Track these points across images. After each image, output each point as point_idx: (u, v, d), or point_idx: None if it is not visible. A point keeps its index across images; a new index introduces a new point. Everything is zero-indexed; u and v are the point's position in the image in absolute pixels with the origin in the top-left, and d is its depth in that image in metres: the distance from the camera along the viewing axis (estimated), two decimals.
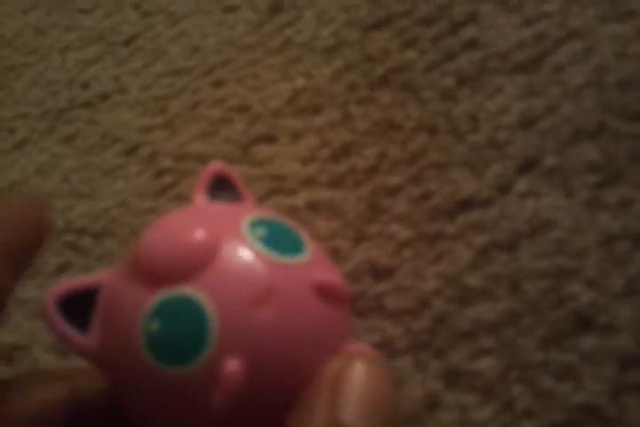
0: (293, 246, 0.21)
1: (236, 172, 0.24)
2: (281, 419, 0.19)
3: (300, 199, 0.31)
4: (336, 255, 0.29)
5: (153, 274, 0.19)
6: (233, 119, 0.34)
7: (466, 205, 0.30)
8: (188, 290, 0.19)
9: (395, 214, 0.30)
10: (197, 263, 0.19)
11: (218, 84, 0.35)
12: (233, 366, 0.18)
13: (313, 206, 0.31)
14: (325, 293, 0.20)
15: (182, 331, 0.18)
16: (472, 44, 0.33)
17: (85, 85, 0.37)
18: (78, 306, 0.20)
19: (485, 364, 0.26)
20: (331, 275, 0.21)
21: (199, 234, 0.20)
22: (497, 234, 0.29)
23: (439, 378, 0.27)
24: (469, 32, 0.33)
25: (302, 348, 0.19)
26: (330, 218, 0.30)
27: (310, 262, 0.21)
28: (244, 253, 0.20)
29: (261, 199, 0.31)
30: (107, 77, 0.37)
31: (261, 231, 0.20)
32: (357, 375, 0.18)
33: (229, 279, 0.19)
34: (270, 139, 0.33)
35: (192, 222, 0.20)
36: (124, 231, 0.32)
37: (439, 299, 0.28)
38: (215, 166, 0.23)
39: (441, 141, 0.31)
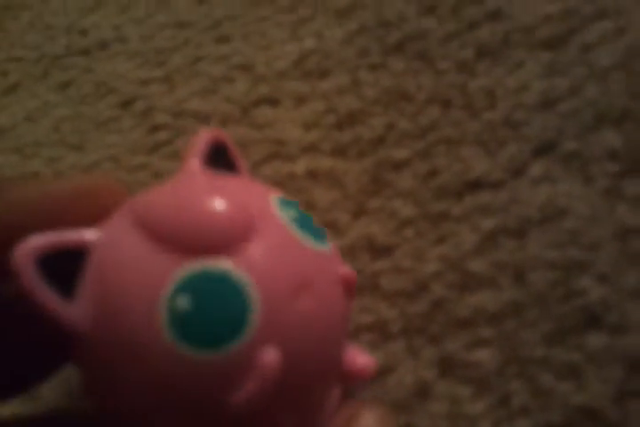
0: (320, 234, 0.18)
1: (232, 135, 0.20)
2: (299, 413, 0.17)
3: (300, 166, 0.28)
4: (334, 228, 0.26)
5: (180, 243, 0.16)
6: (235, 78, 0.30)
7: (475, 185, 0.26)
8: (226, 265, 0.16)
9: (398, 190, 0.27)
10: (235, 236, 0.16)
11: (222, 39, 0.32)
12: (271, 355, 0.15)
13: (312, 175, 0.27)
14: (348, 286, 0.18)
15: (220, 311, 0.15)
16: (495, 16, 0.29)
17: (84, 32, 0.33)
18: (59, 267, 0.16)
19: (483, 355, 0.23)
20: (348, 268, 0.19)
21: (237, 205, 0.16)
22: (506, 219, 0.25)
23: (432, 366, 0.24)
24: (494, 2, 0.29)
25: (331, 340, 0.17)
26: (329, 188, 0.27)
27: (333, 252, 0.18)
28: (284, 236, 0.17)
29: (259, 164, 0.28)
30: (107, 25, 0.33)
31: (293, 213, 0.18)
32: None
33: (272, 262, 0.16)
34: (273, 101, 0.29)
35: (219, 190, 0.17)
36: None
37: (439, 283, 0.25)
38: (211, 131, 0.20)
39: (454, 116, 0.28)
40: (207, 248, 0.16)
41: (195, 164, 0.19)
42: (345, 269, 0.18)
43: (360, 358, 0.19)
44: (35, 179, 0.19)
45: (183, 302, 0.15)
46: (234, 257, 0.16)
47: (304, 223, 0.18)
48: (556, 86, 0.27)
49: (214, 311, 0.15)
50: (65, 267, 0.16)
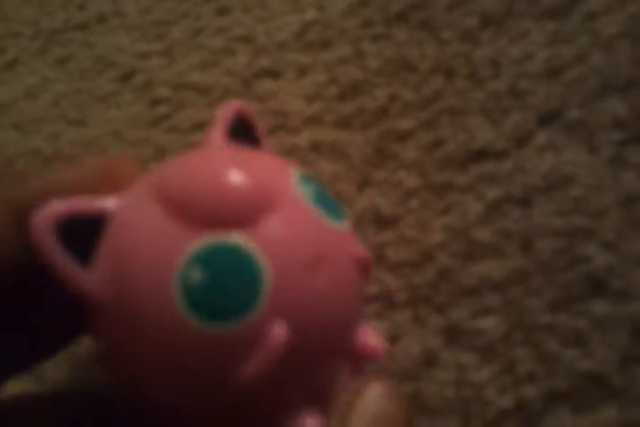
0: (337, 212, 0.19)
1: (255, 113, 0.21)
2: (307, 391, 0.18)
3: (304, 139, 0.28)
4: (339, 200, 0.27)
5: (197, 215, 0.16)
6: (236, 50, 0.31)
7: (480, 155, 0.27)
8: (241, 239, 0.16)
9: (403, 161, 0.28)
10: (252, 210, 0.17)
11: (222, 11, 0.32)
12: (279, 329, 0.16)
13: (316, 147, 0.28)
14: (363, 266, 0.19)
15: (232, 284, 0.16)
16: None
17: (81, 6, 0.34)
18: (77, 234, 0.17)
19: (488, 323, 0.24)
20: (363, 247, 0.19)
21: (256, 179, 0.17)
22: (511, 188, 0.26)
23: (438, 335, 0.25)
24: None
25: (342, 318, 0.18)
26: (334, 160, 0.28)
27: (348, 231, 0.19)
28: (301, 212, 0.17)
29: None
30: None
31: (312, 189, 0.18)
32: (368, 404, 0.18)
33: (286, 237, 0.17)
34: (274, 73, 0.30)
35: (239, 164, 0.17)
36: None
37: (444, 253, 0.26)
38: (236, 105, 0.20)
39: (458, 86, 0.29)
40: (223, 222, 0.16)
41: (217, 137, 0.19)
42: (361, 250, 0.19)
43: (372, 339, 0.19)
44: (53, 164, 0.19)
45: (196, 275, 0.16)
46: (249, 231, 0.16)
47: (323, 200, 0.18)
48: (561, 55, 0.28)
49: (226, 285, 0.16)
50: (84, 233, 0.17)
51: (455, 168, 0.27)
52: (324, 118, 0.29)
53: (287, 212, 0.17)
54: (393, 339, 0.25)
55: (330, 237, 0.18)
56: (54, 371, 0.26)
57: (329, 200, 0.19)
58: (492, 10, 0.30)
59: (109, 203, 0.17)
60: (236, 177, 0.17)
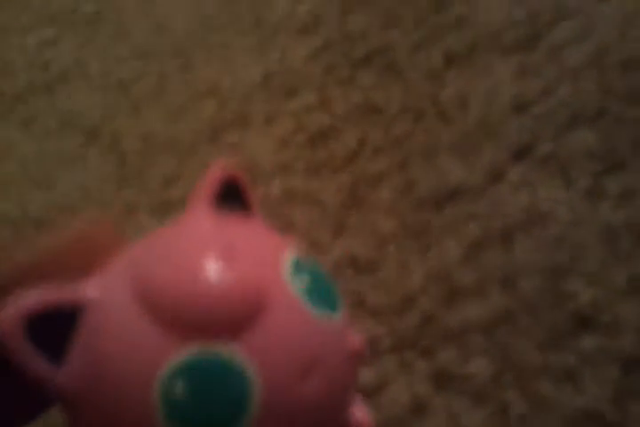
0: (332, 301, 0.18)
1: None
2: None
3: (275, 188, 0.28)
4: (315, 248, 0.27)
5: (180, 321, 0.15)
6: (202, 103, 0.31)
7: (454, 194, 0.27)
8: (228, 350, 0.15)
9: (377, 205, 0.27)
10: (241, 318, 0.15)
11: (186, 66, 0.33)
12: None
13: (289, 196, 0.28)
14: (357, 357, 0.18)
15: (217, 400, 0.15)
16: (461, 23, 0.30)
17: (45, 66, 0.34)
18: (50, 325, 0.16)
19: (477, 366, 0.24)
20: (357, 334, 0.19)
21: (245, 279, 0.16)
22: (489, 226, 0.26)
23: (427, 380, 0.24)
24: (457, 9, 0.31)
25: (335, 412, 0.17)
26: (307, 208, 0.28)
27: (344, 319, 0.18)
28: (294, 313, 0.16)
29: None
30: (67, 58, 0.34)
31: (305, 280, 0.17)
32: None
33: (278, 345, 0.16)
34: (242, 123, 0.30)
35: (227, 255, 0.16)
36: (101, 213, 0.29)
37: (426, 296, 0.25)
38: (224, 168, 0.19)
39: (427, 126, 0.29)
40: (210, 330, 0.15)
41: (201, 210, 0.18)
42: (355, 339, 0.18)
43: (359, 414, 0.18)
44: (32, 239, 0.19)
45: (179, 389, 0.15)
46: (238, 341, 0.15)
47: (317, 292, 0.17)
48: (528, 89, 0.28)
49: (211, 401, 0.15)
50: (58, 324, 0.16)
51: (431, 209, 0.27)
52: (294, 166, 0.29)
53: (279, 315, 0.16)
54: (380, 387, 0.24)
55: (324, 338, 0.17)
56: None
57: (324, 289, 0.18)
58: (455, 48, 0.30)
59: (85, 292, 0.16)
60: (222, 277, 0.16)
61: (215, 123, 0.30)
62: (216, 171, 0.18)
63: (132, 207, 0.29)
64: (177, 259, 0.16)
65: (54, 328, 0.16)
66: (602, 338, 0.24)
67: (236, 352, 0.15)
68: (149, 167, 0.30)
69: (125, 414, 0.15)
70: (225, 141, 0.30)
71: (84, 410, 0.16)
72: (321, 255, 0.27)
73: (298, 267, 0.17)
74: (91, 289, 0.16)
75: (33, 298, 0.16)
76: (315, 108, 0.30)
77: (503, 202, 0.27)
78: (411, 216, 0.27)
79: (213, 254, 0.16)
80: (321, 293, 0.17)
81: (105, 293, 0.16)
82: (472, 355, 0.24)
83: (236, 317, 0.15)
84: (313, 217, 0.28)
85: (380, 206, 0.27)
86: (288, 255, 0.17)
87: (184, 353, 0.15)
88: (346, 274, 0.26)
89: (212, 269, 0.16)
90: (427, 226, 0.27)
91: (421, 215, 0.27)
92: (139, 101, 0.32)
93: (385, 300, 0.26)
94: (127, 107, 0.32)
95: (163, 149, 0.30)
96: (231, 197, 0.19)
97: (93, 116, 0.32)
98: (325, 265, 0.26)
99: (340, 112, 0.30)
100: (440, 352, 0.24)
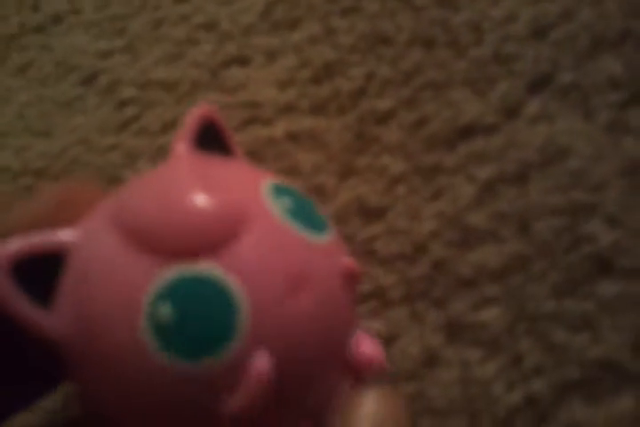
0: (318, 222, 0.18)
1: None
2: (300, 413, 0.17)
3: (279, 129, 0.28)
4: (320, 193, 0.26)
5: (161, 245, 0.16)
6: (200, 39, 0.30)
7: (467, 131, 0.26)
8: (211, 268, 0.16)
9: (386, 145, 0.27)
10: (221, 236, 0.16)
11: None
12: (262, 360, 0.15)
13: (293, 137, 0.27)
14: (350, 279, 0.18)
15: (204, 318, 0.15)
16: None
17: (35, 7, 0.33)
18: (35, 273, 0.16)
19: (490, 315, 0.24)
20: (349, 257, 0.19)
21: (223, 200, 0.16)
22: (503, 166, 0.25)
23: (438, 331, 0.24)
24: None
25: (331, 337, 0.17)
26: (312, 150, 0.27)
27: (332, 241, 0.18)
28: (275, 230, 0.17)
29: (236, 130, 0.28)
30: None
31: (287, 202, 0.17)
32: (368, 410, 0.18)
33: (260, 259, 0.16)
34: (243, 60, 0.29)
35: (205, 183, 0.17)
36: (87, 172, 0.29)
37: (437, 242, 0.25)
38: (202, 110, 0.19)
39: (438, 57, 0.27)
40: (191, 250, 0.16)
41: (181, 149, 0.18)
42: (346, 261, 0.18)
43: (366, 347, 0.19)
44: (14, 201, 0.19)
45: (165, 311, 0.15)
46: (219, 259, 0.16)
47: (301, 213, 0.18)
48: (547, 12, 0.27)
49: (199, 320, 0.15)
50: (43, 271, 0.16)
51: (442, 148, 0.26)
52: (298, 105, 0.28)
53: (260, 231, 0.16)
54: (391, 339, 0.24)
55: (310, 254, 0.17)
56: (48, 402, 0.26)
57: (308, 211, 0.18)
58: None
59: (67, 236, 0.17)
60: (200, 200, 0.16)
61: (214, 60, 0.29)
62: (193, 115, 0.19)
63: (131, 153, 0.29)
64: (154, 189, 0.17)
65: (39, 277, 0.16)
66: (622, 283, 0.23)
67: (217, 269, 0.16)
68: (148, 111, 0.29)
69: (116, 346, 0.16)
70: (225, 81, 0.29)
71: (76, 351, 0.16)
72: (327, 201, 0.26)
73: (278, 191, 0.18)
74: (73, 233, 0.17)
75: (17, 243, 0.16)
76: (319, 41, 0.29)
77: (520, 138, 0.25)
78: (421, 156, 0.26)
79: (190, 182, 0.17)
80: (304, 214, 0.18)
81: (86, 232, 0.17)
82: (485, 304, 0.24)
83: (215, 235, 0.16)
84: (318, 159, 0.27)
85: (388, 147, 0.27)
86: (268, 181, 0.18)
87: (167, 275, 0.15)
88: (353, 222, 0.26)
89: (189, 192, 0.16)
90: (438, 167, 0.26)
91: (433, 155, 0.26)
92: (134, 39, 0.31)
93: (395, 248, 0.25)
94: (123, 46, 0.31)
95: (161, 91, 0.29)
96: (212, 141, 0.19)
97: (89, 57, 0.31)
98: (331, 212, 0.26)
99: (346, 44, 0.28)
100: (452, 302, 0.24)
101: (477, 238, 0.25)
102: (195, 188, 0.16)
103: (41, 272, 0.16)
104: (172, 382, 0.15)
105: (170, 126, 0.29)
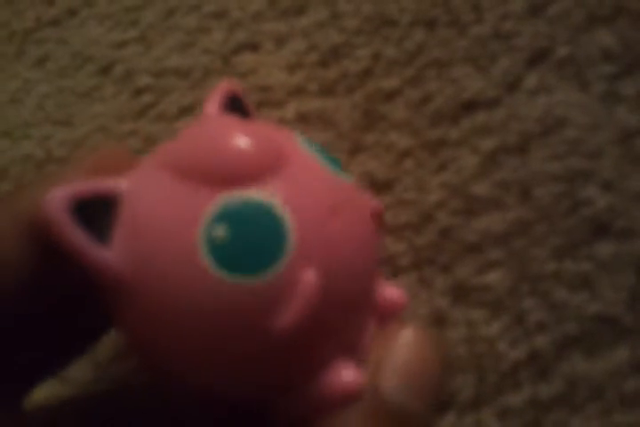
0: (342, 169, 0.22)
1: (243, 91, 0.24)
2: (340, 341, 0.20)
3: (290, 111, 0.31)
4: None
5: (213, 177, 0.19)
6: (211, 27, 0.34)
7: (470, 106, 0.30)
8: (259, 193, 0.19)
9: (393, 121, 0.30)
10: (266, 167, 0.19)
11: None
12: (311, 275, 0.18)
13: (303, 118, 0.31)
14: (377, 218, 0.21)
15: (257, 237, 0.18)
16: None
17: (50, 1, 0.37)
18: (91, 216, 0.19)
19: (494, 277, 0.27)
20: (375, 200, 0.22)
21: (264, 137, 0.20)
22: (505, 137, 0.29)
23: (445, 294, 0.28)
24: None
25: (365, 264, 0.20)
26: (322, 129, 0.31)
27: (356, 185, 0.22)
28: (312, 165, 0.20)
29: None
30: None
31: (317, 149, 0.21)
32: (403, 346, 0.20)
33: (303, 186, 0.19)
34: (253, 46, 0.33)
35: (245, 126, 0.20)
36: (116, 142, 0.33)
37: (444, 211, 0.29)
38: (227, 84, 0.23)
39: (441, 36, 0.31)
40: (238, 179, 0.19)
41: (212, 109, 0.22)
42: (372, 200, 0.22)
43: (392, 291, 0.22)
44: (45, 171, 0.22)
45: (220, 232, 0.18)
46: (265, 185, 0.19)
47: (328, 158, 0.21)
48: None
49: (252, 238, 0.18)
50: (98, 215, 0.19)
51: (447, 123, 0.30)
52: (307, 87, 0.32)
53: (299, 164, 0.20)
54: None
55: (343, 188, 0.21)
56: (78, 372, 0.30)
57: (333, 159, 0.22)
58: None
59: (119, 181, 0.20)
60: (243, 136, 0.19)
61: (225, 47, 0.33)
62: (222, 86, 0.23)
63: (150, 138, 0.33)
64: (198, 134, 0.20)
65: (97, 220, 0.19)
66: (617, 244, 0.27)
67: (265, 193, 0.19)
68: (164, 98, 0.33)
69: (175, 270, 0.19)
70: (236, 67, 0.33)
71: (134, 283, 0.19)
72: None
73: (307, 141, 0.21)
74: (124, 179, 0.20)
75: (74, 186, 0.19)
76: (326, 25, 0.33)
77: (520, 111, 0.29)
78: (427, 131, 0.30)
79: (232, 125, 0.20)
80: (332, 159, 0.21)
81: (136, 177, 0.20)
82: (489, 267, 0.28)
83: (261, 166, 0.19)
84: (328, 138, 0.31)
85: (395, 123, 0.30)
86: (296, 134, 0.22)
87: (218, 201, 0.19)
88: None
89: (234, 131, 0.20)
90: (443, 140, 0.30)
91: (438, 130, 0.30)
92: (147, 29, 0.35)
93: (403, 217, 0.29)
94: (137, 36, 0.35)
95: (176, 78, 0.33)
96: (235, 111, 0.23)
97: (104, 48, 0.35)
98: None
99: (352, 27, 0.32)
100: (458, 267, 0.28)
101: (481, 206, 0.28)
102: (237, 128, 0.20)
103: (96, 216, 0.19)
104: (230, 297, 0.18)
105: (186, 111, 0.33)
